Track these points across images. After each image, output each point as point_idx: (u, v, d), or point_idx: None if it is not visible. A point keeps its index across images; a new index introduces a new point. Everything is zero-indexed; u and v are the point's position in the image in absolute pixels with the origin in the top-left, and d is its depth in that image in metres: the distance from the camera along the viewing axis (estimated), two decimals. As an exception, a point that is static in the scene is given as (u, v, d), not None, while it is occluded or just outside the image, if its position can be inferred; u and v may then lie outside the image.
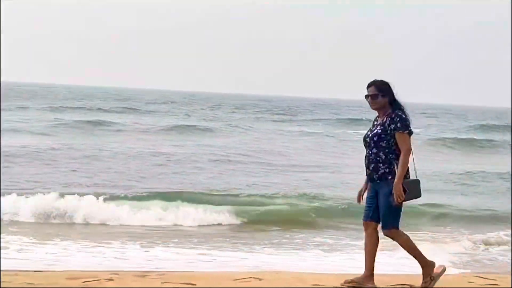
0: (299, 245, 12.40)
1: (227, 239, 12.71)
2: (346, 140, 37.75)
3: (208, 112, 63.07)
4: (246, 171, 22.46)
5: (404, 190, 7.04)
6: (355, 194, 7.49)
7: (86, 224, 13.92)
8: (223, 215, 14.72)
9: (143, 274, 7.82)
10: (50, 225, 13.70)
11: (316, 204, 16.22)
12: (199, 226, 14.21)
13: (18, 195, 14.91)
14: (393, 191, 7.02)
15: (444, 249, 12.21)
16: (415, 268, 7.46)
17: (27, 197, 14.82)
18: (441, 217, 16.05)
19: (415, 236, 13.44)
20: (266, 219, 14.89)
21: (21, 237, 11.90)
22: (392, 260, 10.25)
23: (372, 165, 7.22)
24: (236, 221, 14.70)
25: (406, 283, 7.61)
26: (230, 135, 37.76)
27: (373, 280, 7.32)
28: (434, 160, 28.21)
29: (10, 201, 14.43)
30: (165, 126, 40.66)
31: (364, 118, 56.46)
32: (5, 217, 13.81)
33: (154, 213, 14.53)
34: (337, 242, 12.79)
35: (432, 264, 7.34)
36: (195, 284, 7.33)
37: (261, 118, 57.37)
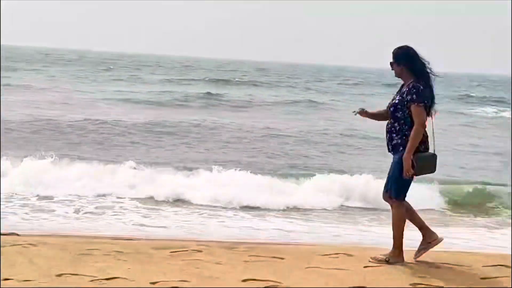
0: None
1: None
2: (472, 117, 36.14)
3: (324, 85, 62.70)
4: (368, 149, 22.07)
5: (414, 164, 6.86)
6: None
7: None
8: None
9: (232, 246, 7.77)
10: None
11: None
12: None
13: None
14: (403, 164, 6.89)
15: None
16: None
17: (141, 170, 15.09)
18: None
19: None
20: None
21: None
22: (490, 239, 9.96)
23: (388, 135, 7.10)
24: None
25: (502, 263, 7.31)
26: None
27: (434, 234, 7.29)
28: None
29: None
30: (285, 100, 40.21)
31: (471, 94, 54.82)
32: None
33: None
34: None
35: (400, 254, 7.18)
36: (283, 258, 7.26)
37: (376, 93, 56.34)
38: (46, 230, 10.05)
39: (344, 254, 7.53)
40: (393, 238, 7.21)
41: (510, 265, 7.28)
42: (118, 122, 24.07)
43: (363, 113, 7.32)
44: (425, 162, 6.96)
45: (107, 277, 6.32)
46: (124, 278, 6.33)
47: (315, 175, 15.75)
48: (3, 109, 26.40)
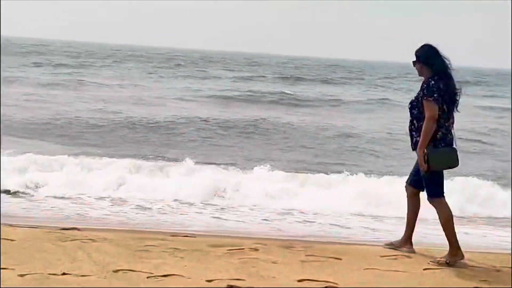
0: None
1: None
2: None
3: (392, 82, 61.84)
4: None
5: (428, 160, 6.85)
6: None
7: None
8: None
9: (289, 245, 7.72)
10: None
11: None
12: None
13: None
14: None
15: None
16: None
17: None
18: None
19: None
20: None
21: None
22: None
23: (409, 134, 7.15)
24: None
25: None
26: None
27: (410, 243, 7.50)
28: None
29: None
30: (359, 99, 39.31)
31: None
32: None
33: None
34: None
35: (458, 252, 7.10)
36: (341, 259, 7.20)
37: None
38: (133, 224, 10.31)
39: (403, 255, 7.42)
40: (446, 237, 7.14)
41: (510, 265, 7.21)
42: (189, 118, 24.14)
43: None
44: (440, 157, 6.91)
45: (163, 274, 6.35)
46: (180, 275, 6.35)
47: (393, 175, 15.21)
48: (75, 104, 26.99)
